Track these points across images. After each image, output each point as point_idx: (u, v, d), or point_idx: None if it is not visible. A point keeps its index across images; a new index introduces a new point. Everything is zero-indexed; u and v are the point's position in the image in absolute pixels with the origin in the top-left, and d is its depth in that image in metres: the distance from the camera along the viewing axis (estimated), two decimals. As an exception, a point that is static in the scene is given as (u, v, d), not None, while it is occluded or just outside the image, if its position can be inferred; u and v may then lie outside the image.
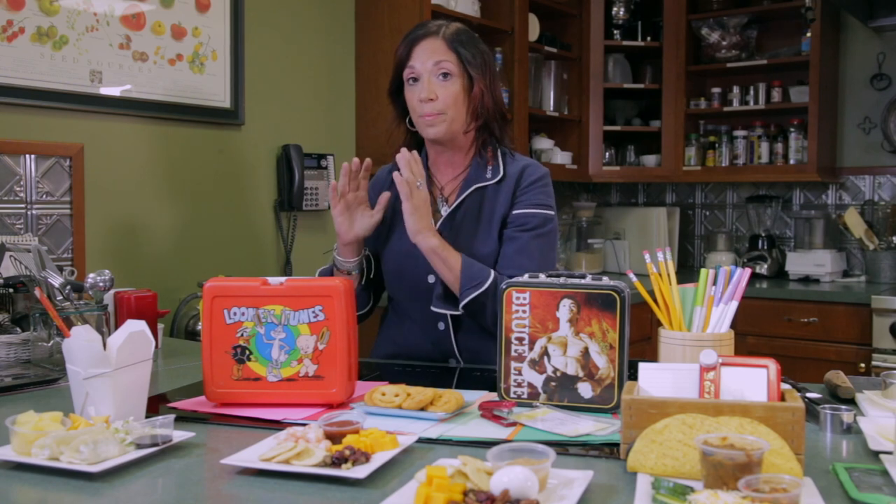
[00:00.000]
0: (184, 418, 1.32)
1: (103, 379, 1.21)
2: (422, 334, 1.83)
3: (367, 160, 1.78)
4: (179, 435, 1.17)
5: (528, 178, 1.82)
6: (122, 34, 2.51)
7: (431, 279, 1.79)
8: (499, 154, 1.86)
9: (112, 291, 1.91)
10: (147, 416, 1.26)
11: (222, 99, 2.81)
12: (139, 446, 1.12)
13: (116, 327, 1.29)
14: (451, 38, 1.79)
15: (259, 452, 1.09)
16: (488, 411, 1.30)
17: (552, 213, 1.84)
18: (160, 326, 2.04)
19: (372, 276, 1.87)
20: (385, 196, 1.79)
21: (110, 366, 1.21)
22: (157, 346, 1.93)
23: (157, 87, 2.61)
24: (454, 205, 1.82)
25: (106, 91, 2.47)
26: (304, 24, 3.13)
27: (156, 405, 1.41)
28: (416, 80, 1.78)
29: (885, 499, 0.95)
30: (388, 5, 3.22)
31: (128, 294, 1.93)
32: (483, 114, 1.81)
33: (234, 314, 1.38)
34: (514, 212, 1.80)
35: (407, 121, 1.86)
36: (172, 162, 2.70)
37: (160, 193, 2.66)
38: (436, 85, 1.76)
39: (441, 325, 1.80)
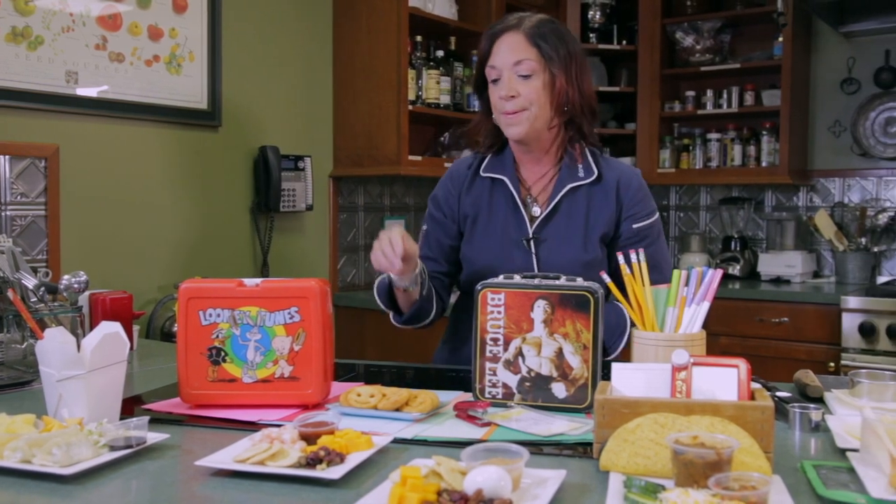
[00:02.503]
0: (159, 420, 1.31)
1: (77, 381, 1.20)
2: None
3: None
4: (154, 437, 1.17)
5: (631, 186, 1.77)
6: (99, 35, 2.49)
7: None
8: (587, 152, 1.79)
9: (87, 293, 1.90)
10: (122, 418, 1.25)
11: (199, 100, 2.80)
12: (113, 448, 1.11)
13: (91, 329, 1.28)
14: (532, 31, 1.70)
15: (234, 454, 1.09)
16: (463, 411, 1.31)
17: (657, 212, 1.82)
18: (136, 328, 2.03)
19: (425, 292, 1.74)
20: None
21: (84, 368, 1.21)
22: (132, 348, 1.92)
23: (133, 87, 2.59)
24: (550, 207, 1.75)
25: (82, 92, 2.46)
26: (282, 26, 3.13)
27: (131, 407, 1.40)
28: (497, 79, 1.71)
29: (851, 495, 0.97)
30: (365, 8, 3.23)
31: (103, 296, 1.92)
32: (569, 109, 1.73)
33: (210, 315, 1.38)
34: (634, 226, 1.76)
35: (494, 117, 1.77)
36: (149, 163, 2.68)
37: (136, 195, 2.65)
38: (516, 82, 1.69)
39: None
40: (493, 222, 1.78)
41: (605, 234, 1.75)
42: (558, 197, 1.74)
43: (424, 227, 1.87)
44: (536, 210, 1.77)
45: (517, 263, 1.72)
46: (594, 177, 1.75)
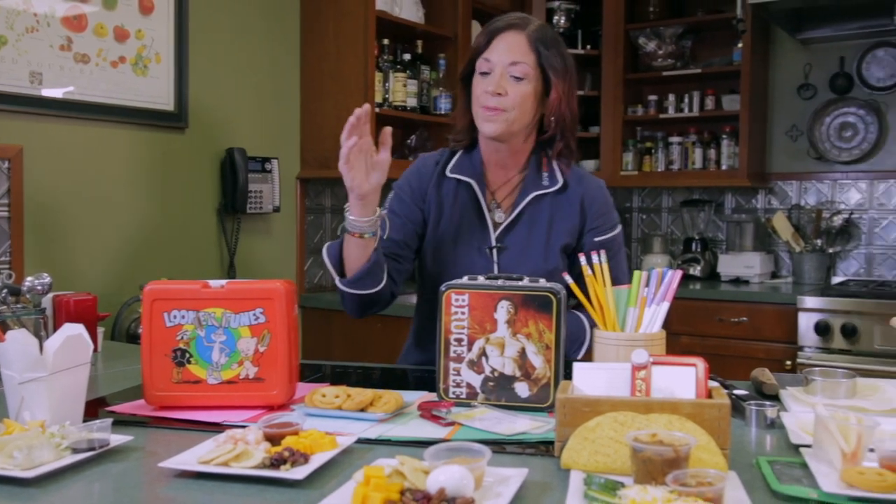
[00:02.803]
0: (123, 422, 1.31)
1: (39, 383, 1.20)
2: None
3: (367, 106, 1.56)
4: (117, 439, 1.16)
5: (596, 199, 1.76)
6: (63, 35, 2.46)
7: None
8: (553, 161, 1.76)
9: (50, 295, 1.88)
10: (85, 420, 1.24)
11: (166, 102, 2.78)
12: (75, 451, 1.11)
13: (55, 331, 1.27)
14: (535, 35, 1.67)
15: (198, 455, 1.09)
16: (427, 411, 1.32)
17: (619, 224, 1.82)
18: (100, 330, 2.01)
19: (386, 236, 1.66)
20: (386, 131, 1.59)
21: (46, 370, 1.20)
22: (96, 350, 1.91)
23: (99, 89, 2.57)
24: (514, 215, 1.74)
25: (47, 93, 2.43)
26: (250, 28, 3.12)
27: (95, 409, 1.39)
28: (487, 73, 1.67)
29: (803, 490, 0.99)
30: (333, 12, 3.23)
31: (66, 297, 1.91)
32: (559, 123, 1.71)
33: (175, 317, 1.38)
34: (596, 239, 1.74)
35: (473, 109, 1.73)
36: (115, 165, 2.66)
37: (102, 196, 2.63)
38: (507, 82, 1.65)
39: None
40: (457, 226, 1.76)
41: (566, 245, 1.75)
42: (522, 205, 1.73)
43: (385, 211, 1.75)
44: (500, 216, 1.76)
45: (478, 269, 1.69)
46: (559, 186, 1.74)
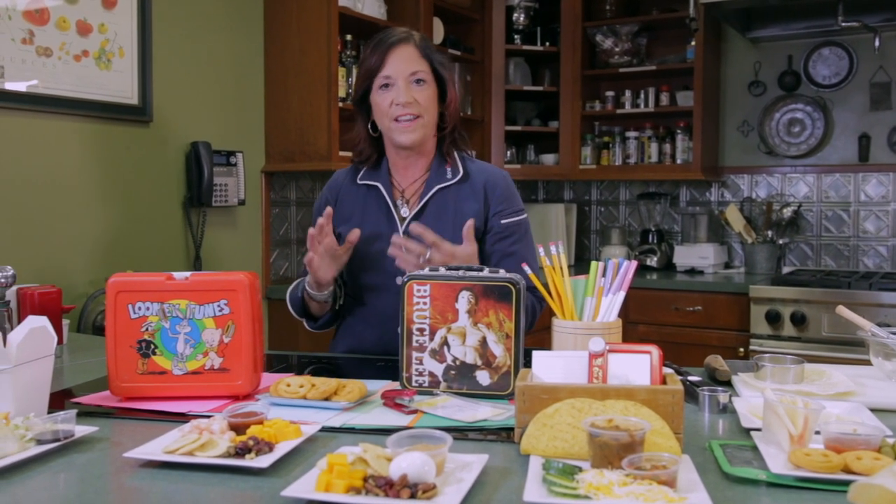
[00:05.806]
0: (88, 413, 1.31)
1: (2, 375, 1.19)
2: (390, 326, 1.76)
3: (329, 210, 1.72)
4: (82, 430, 1.16)
5: (498, 185, 1.86)
6: (25, 29, 2.43)
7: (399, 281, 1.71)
8: (455, 155, 1.88)
9: (14, 287, 1.86)
10: (50, 412, 1.24)
11: (130, 96, 2.76)
12: (40, 442, 1.11)
13: (19, 324, 1.27)
14: (423, 45, 1.81)
15: (163, 445, 1.09)
16: (390, 400, 1.34)
17: (525, 211, 1.91)
18: (66, 322, 2.00)
19: (342, 301, 1.88)
20: (355, 233, 1.75)
21: (10, 362, 1.19)
22: (61, 342, 1.89)
23: (63, 82, 2.54)
24: (419, 206, 1.83)
25: (10, 86, 2.39)
26: (213, 22, 3.10)
27: (61, 401, 1.39)
28: (388, 86, 1.78)
29: (753, 472, 1.03)
30: (296, 6, 3.23)
31: (31, 290, 1.89)
32: (451, 120, 1.85)
33: (139, 309, 1.38)
34: (503, 222, 1.84)
35: (369, 127, 1.86)
36: (80, 158, 2.63)
37: (67, 190, 2.59)
38: (413, 89, 1.77)
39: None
40: (367, 225, 1.83)
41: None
42: (426, 197, 1.83)
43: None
44: (406, 211, 1.85)
45: (390, 264, 1.73)
46: (460, 175, 1.85)
